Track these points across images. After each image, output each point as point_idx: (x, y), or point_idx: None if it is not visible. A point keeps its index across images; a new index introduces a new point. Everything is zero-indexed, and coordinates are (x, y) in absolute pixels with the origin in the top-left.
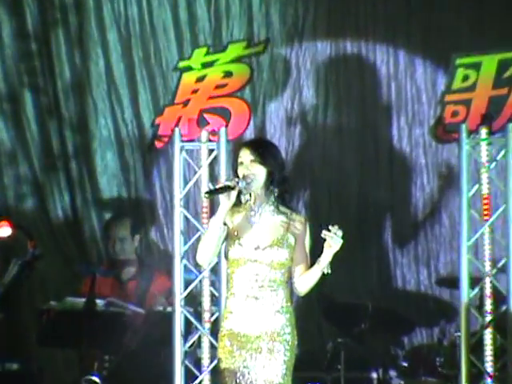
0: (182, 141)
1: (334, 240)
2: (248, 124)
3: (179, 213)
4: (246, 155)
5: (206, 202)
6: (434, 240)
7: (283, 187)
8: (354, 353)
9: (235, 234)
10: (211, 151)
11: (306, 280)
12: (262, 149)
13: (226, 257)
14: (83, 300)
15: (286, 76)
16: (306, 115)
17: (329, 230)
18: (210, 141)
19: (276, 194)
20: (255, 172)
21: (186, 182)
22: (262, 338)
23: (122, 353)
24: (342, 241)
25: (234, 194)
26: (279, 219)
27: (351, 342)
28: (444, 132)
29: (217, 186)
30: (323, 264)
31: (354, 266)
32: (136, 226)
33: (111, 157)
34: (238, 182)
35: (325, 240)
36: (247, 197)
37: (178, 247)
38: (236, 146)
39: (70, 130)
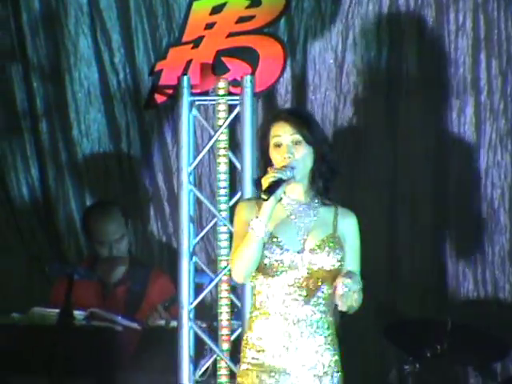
0: (192, 94)
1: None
2: (282, 71)
3: (187, 192)
4: (286, 134)
5: (223, 179)
6: None
7: (331, 175)
8: None
9: (272, 235)
10: (232, 108)
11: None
12: (309, 124)
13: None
14: (56, 311)
15: (336, 5)
16: (363, 59)
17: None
18: (229, 94)
19: (321, 184)
20: (301, 157)
21: (197, 151)
22: (302, 376)
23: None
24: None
25: (282, 188)
26: (325, 215)
27: (422, 370)
28: None
29: (269, 181)
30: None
31: (425, 269)
32: (127, 211)
33: (95, 116)
34: (290, 173)
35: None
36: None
37: (187, 240)
38: (267, 114)
39: (40, 78)
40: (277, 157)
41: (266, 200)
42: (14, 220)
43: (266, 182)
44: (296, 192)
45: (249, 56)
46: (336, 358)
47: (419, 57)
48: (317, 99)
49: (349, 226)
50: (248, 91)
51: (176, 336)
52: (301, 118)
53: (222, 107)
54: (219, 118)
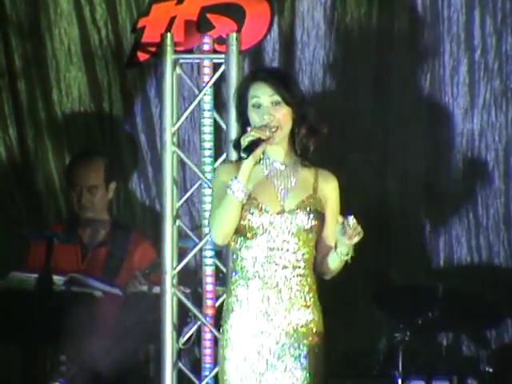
0: (176, 51)
1: (355, 234)
2: (269, 28)
3: (171, 154)
4: (264, 95)
5: (208, 139)
6: None
7: (311, 136)
8: (416, 353)
9: (251, 197)
10: (217, 66)
11: (328, 264)
12: (288, 84)
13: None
14: (34, 276)
15: None
16: (352, 16)
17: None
18: (214, 52)
19: (301, 145)
20: (280, 117)
21: (181, 111)
22: (282, 339)
23: (87, 353)
24: (362, 233)
25: (261, 148)
26: (306, 176)
27: (413, 338)
28: None
29: (248, 139)
30: (343, 251)
31: (417, 234)
32: (111, 170)
33: (76, 74)
34: (270, 132)
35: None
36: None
37: (170, 203)
38: (243, 75)
39: (18, 36)
40: (255, 118)
41: (246, 159)
42: None
43: (244, 141)
44: (276, 153)
45: (235, 13)
46: (316, 318)
47: (410, 14)
48: (305, 58)
49: (330, 188)
50: (234, 49)
51: (159, 302)
52: (280, 78)
53: (207, 65)
54: (204, 77)
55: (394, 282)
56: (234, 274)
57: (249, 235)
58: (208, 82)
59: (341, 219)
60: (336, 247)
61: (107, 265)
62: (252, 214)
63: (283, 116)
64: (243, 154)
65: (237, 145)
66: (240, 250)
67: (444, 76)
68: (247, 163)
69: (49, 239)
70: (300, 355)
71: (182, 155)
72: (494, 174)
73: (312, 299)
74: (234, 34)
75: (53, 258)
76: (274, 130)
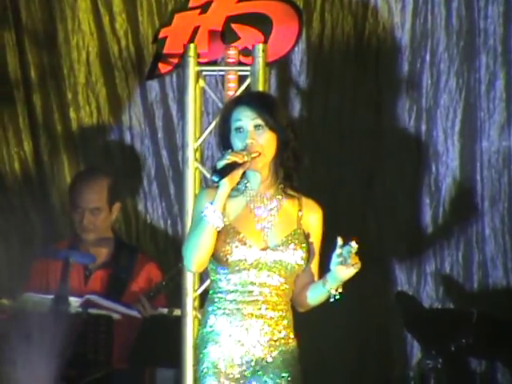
0: (200, 63)
1: (354, 262)
2: (297, 39)
3: (193, 170)
4: (247, 118)
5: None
6: None
7: (295, 163)
8: (449, 381)
9: (233, 228)
10: (242, 79)
11: (307, 298)
12: (272, 109)
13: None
14: (50, 297)
15: None
16: (384, 26)
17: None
18: (240, 63)
19: (284, 173)
20: (263, 142)
21: (204, 126)
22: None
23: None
24: (359, 265)
25: (238, 173)
26: (288, 208)
27: (446, 366)
28: None
29: (222, 163)
30: (333, 285)
31: (450, 255)
32: (115, 190)
33: (94, 86)
34: (248, 156)
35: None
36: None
37: None
38: (226, 102)
39: (33, 45)
40: (237, 142)
41: (216, 182)
42: (5, 197)
43: (218, 164)
44: (257, 182)
45: (261, 23)
46: (295, 352)
47: (446, 26)
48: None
49: (313, 220)
50: (260, 61)
51: (179, 326)
52: (263, 103)
53: (232, 78)
54: (229, 90)
55: (426, 306)
56: (211, 305)
57: (231, 269)
58: (233, 95)
59: (340, 241)
60: (324, 283)
61: (110, 286)
62: (236, 247)
63: (266, 141)
64: (214, 178)
65: (214, 170)
66: (221, 282)
67: (480, 91)
68: (222, 189)
69: (65, 258)
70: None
71: (205, 172)
72: None
73: (291, 333)
74: (261, 45)
75: (54, 279)
76: (254, 154)
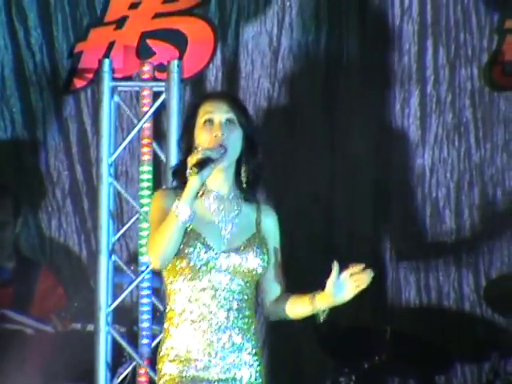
0: (115, 78)
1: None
2: (212, 56)
3: (107, 185)
4: (220, 110)
5: (147, 171)
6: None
7: (257, 166)
8: None
9: (195, 231)
10: (157, 95)
11: (285, 310)
12: (243, 107)
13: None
14: None
15: None
16: (300, 44)
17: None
18: (155, 79)
19: (246, 176)
20: (233, 138)
21: (119, 141)
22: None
23: None
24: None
25: (209, 169)
26: (248, 212)
27: (359, 383)
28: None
29: (198, 157)
30: (319, 307)
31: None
32: (19, 204)
33: (8, 101)
34: (221, 152)
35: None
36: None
37: (106, 237)
38: (198, 96)
39: None
40: (204, 136)
41: (194, 175)
42: None
43: (193, 159)
44: (219, 183)
45: (176, 39)
46: (259, 361)
47: (360, 42)
48: (249, 87)
49: (271, 225)
50: (175, 77)
51: (92, 341)
52: (236, 100)
53: (147, 94)
54: (143, 106)
55: (340, 323)
56: (174, 315)
57: (192, 275)
58: (147, 111)
59: (337, 266)
60: (313, 302)
61: (15, 305)
62: (198, 251)
63: (235, 137)
64: (192, 171)
65: (175, 173)
66: (182, 290)
67: (395, 108)
68: (193, 184)
69: None
70: None
71: (119, 187)
72: (444, 212)
73: (255, 341)
74: (176, 61)
75: None
76: (222, 151)
